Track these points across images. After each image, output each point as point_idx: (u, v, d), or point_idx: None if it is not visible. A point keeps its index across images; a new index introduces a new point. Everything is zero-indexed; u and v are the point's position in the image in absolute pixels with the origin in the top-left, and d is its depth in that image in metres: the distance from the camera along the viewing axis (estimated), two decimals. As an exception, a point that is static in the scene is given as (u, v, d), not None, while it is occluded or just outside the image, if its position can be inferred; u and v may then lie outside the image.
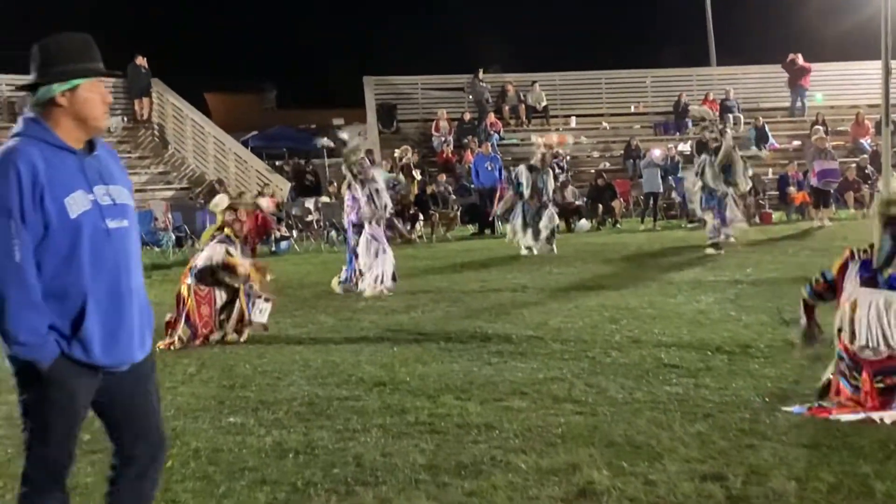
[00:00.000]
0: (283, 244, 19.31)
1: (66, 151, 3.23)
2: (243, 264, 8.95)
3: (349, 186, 12.18)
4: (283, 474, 4.84)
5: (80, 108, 3.26)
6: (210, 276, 8.81)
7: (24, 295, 3.09)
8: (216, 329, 8.81)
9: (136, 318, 3.37)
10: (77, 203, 3.18)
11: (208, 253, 8.92)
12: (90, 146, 3.33)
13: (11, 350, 3.17)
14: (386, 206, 12.09)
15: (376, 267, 11.68)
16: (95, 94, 3.30)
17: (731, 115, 27.84)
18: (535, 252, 15.82)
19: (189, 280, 8.89)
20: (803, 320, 6.29)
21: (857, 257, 5.95)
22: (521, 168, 16.61)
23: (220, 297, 8.88)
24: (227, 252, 8.85)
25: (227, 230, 9.11)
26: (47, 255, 3.14)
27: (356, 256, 11.90)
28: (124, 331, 3.30)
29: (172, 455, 5.21)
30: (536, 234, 16.10)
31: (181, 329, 8.66)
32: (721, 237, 15.05)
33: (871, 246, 5.89)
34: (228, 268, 8.81)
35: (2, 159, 3.13)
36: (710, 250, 14.82)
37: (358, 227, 11.99)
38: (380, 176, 12.48)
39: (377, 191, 11.98)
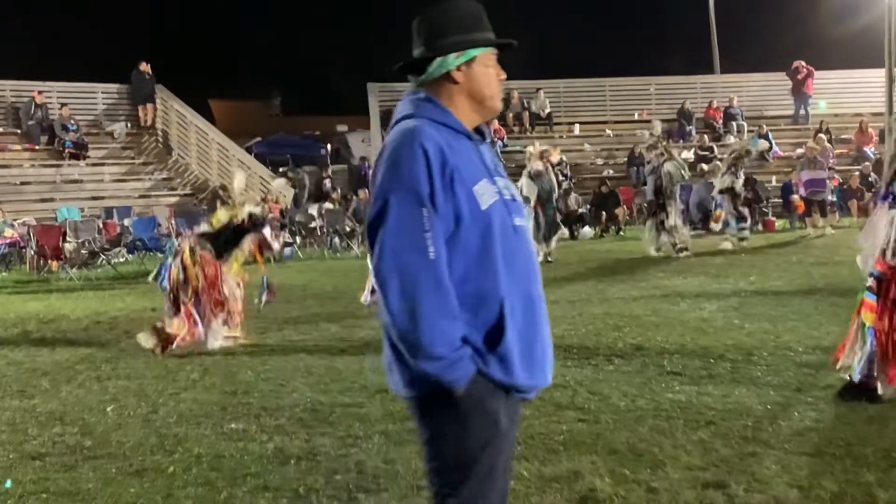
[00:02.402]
0: (287, 251, 19.32)
1: (463, 136, 2.74)
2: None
3: None
4: (286, 481, 4.84)
5: (477, 84, 2.77)
6: (225, 242, 8.83)
7: (439, 300, 2.51)
8: (221, 300, 8.73)
9: (547, 332, 2.78)
10: (485, 193, 2.67)
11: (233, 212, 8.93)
12: (479, 133, 2.83)
13: (420, 366, 2.54)
14: None
15: None
16: (492, 68, 2.81)
17: (734, 123, 27.89)
18: (551, 259, 15.74)
19: (191, 243, 8.84)
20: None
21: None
22: (523, 179, 16.63)
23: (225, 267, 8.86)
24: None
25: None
26: (457, 253, 2.59)
27: None
28: (538, 346, 2.73)
29: (174, 461, 5.23)
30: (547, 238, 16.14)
31: (189, 296, 8.63)
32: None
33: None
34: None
35: (406, 137, 2.62)
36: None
37: None
38: None
39: None
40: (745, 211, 17.91)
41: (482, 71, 2.77)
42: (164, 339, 8.51)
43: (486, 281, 2.62)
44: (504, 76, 2.83)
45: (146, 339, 8.59)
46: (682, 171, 16.62)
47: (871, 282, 6.00)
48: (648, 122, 28.85)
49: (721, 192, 17.72)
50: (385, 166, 2.61)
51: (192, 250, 8.73)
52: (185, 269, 8.68)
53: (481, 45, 2.77)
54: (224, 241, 8.79)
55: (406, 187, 2.54)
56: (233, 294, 8.87)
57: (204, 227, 8.97)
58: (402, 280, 2.50)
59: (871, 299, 5.98)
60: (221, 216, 9.06)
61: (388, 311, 2.53)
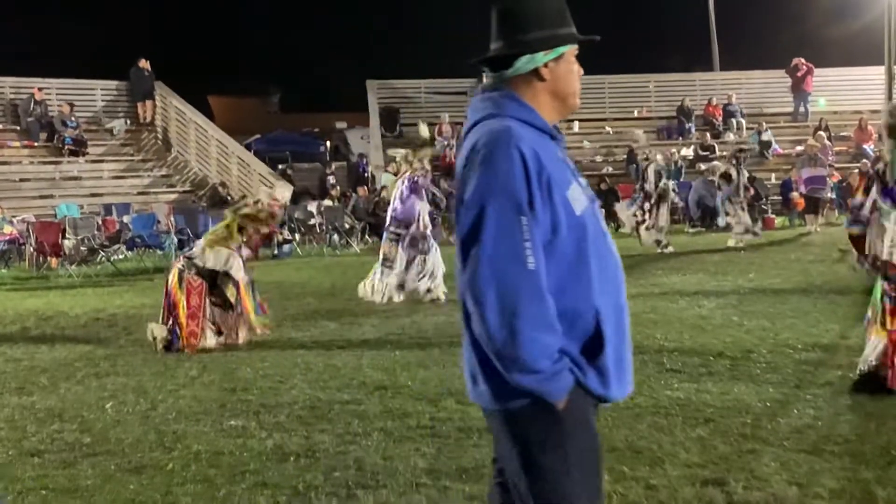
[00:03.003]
0: (286, 248, 19.32)
1: (548, 136, 2.61)
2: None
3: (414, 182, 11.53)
4: (284, 478, 4.84)
5: (563, 82, 2.65)
6: (212, 276, 8.74)
7: (539, 311, 2.39)
8: (203, 326, 8.61)
9: (630, 340, 2.68)
10: (578, 198, 2.55)
11: (224, 259, 8.71)
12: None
13: (518, 380, 2.42)
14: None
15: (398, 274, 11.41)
16: (575, 66, 2.69)
17: (733, 120, 27.89)
18: None
19: (181, 265, 8.73)
20: (854, 252, 6.38)
21: (874, 177, 6.06)
22: None
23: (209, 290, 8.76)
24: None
25: (243, 236, 8.93)
26: (553, 262, 2.47)
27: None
28: (627, 356, 2.64)
29: (173, 458, 5.23)
30: None
31: (167, 320, 8.59)
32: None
33: (886, 165, 6.03)
34: (234, 283, 8.76)
35: (501, 139, 2.47)
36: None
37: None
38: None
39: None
40: (745, 213, 17.62)
41: (568, 68, 2.67)
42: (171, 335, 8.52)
43: (581, 291, 2.51)
44: (582, 71, 2.72)
45: (159, 330, 8.58)
46: (665, 170, 17.26)
47: (888, 287, 6.02)
48: (648, 119, 28.99)
49: (722, 176, 17.70)
50: (479, 171, 2.46)
51: (180, 275, 8.68)
52: (170, 293, 8.65)
53: (570, 42, 2.66)
54: (211, 276, 8.73)
55: (505, 194, 2.41)
56: (222, 316, 8.82)
57: (196, 251, 8.85)
58: (500, 292, 2.38)
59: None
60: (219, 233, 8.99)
61: (483, 323, 2.40)
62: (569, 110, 2.73)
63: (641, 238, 16.84)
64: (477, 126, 2.58)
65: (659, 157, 18.02)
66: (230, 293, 8.73)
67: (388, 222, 11.57)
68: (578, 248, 2.51)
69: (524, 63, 2.61)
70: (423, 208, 11.42)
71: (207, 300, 8.68)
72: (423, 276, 11.31)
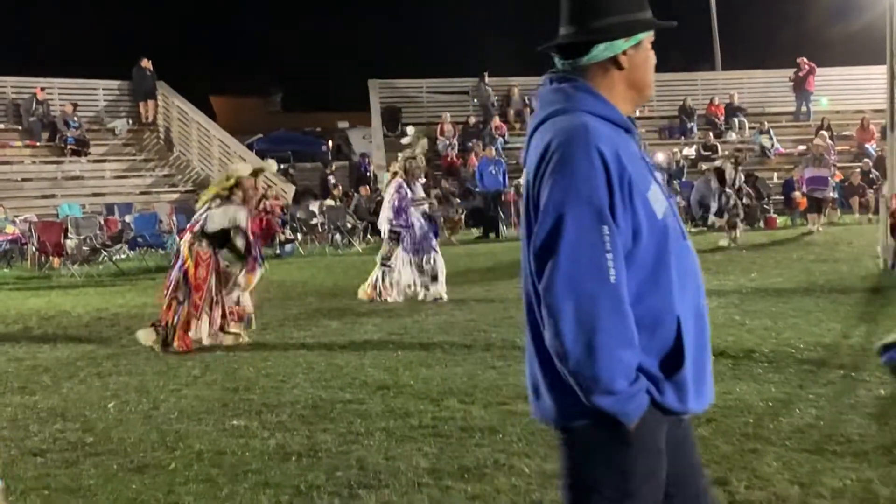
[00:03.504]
0: (288, 247, 19.33)
1: (623, 130, 2.41)
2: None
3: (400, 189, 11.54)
4: (287, 477, 4.84)
5: (640, 71, 2.47)
6: (222, 236, 8.74)
7: (619, 328, 2.22)
8: (203, 302, 8.63)
9: (709, 345, 2.50)
10: (658, 200, 2.37)
11: (232, 214, 8.73)
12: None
13: (595, 400, 2.24)
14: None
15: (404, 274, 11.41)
16: (651, 53, 2.51)
17: (735, 120, 27.87)
18: None
19: (189, 237, 8.79)
20: None
21: None
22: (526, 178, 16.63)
23: (221, 263, 8.81)
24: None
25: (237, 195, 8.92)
26: (633, 269, 2.30)
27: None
28: (707, 366, 2.46)
29: (175, 457, 5.23)
30: None
31: (180, 291, 8.61)
32: None
33: None
34: (243, 232, 8.76)
35: (578, 139, 2.27)
36: None
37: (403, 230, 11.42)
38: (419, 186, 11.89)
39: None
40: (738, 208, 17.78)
41: (646, 56, 2.48)
42: (164, 334, 8.52)
43: (662, 298, 2.34)
44: (655, 60, 2.54)
45: (145, 337, 8.60)
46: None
47: None
48: (650, 118, 28.97)
49: (715, 170, 17.78)
50: (556, 175, 2.27)
51: (189, 246, 8.72)
52: (184, 264, 8.69)
53: (649, 28, 2.47)
54: (217, 237, 8.75)
55: (584, 200, 2.23)
56: (230, 294, 8.84)
57: (199, 220, 8.88)
58: (578, 306, 2.20)
59: None
60: (209, 192, 9.06)
61: (557, 338, 2.23)
62: (643, 101, 2.57)
63: None
64: (548, 122, 2.39)
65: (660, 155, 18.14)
66: (240, 243, 8.77)
67: (386, 225, 11.56)
68: (659, 253, 2.34)
69: (602, 50, 2.41)
70: (415, 215, 11.43)
71: (213, 277, 8.71)
72: (426, 277, 11.31)
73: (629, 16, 2.42)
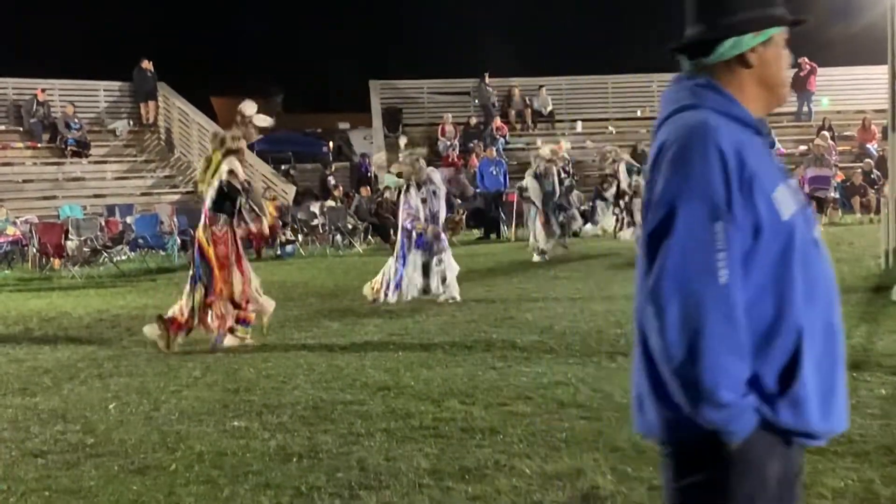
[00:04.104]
0: (289, 248, 19.33)
1: (751, 131, 2.29)
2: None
3: (405, 190, 11.53)
4: (287, 478, 4.84)
5: (772, 69, 2.35)
6: (228, 191, 8.83)
7: (728, 333, 2.08)
8: (230, 278, 8.74)
9: (844, 367, 2.30)
10: (786, 201, 2.22)
11: (224, 174, 8.86)
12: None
13: (699, 411, 2.09)
14: (437, 213, 11.49)
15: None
16: (785, 51, 2.38)
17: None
18: (547, 258, 15.74)
19: (203, 222, 8.90)
20: None
21: None
22: (528, 180, 16.64)
23: (238, 241, 8.93)
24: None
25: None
26: (751, 272, 2.16)
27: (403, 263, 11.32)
28: (839, 385, 2.26)
29: (176, 458, 5.23)
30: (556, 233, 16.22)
31: (203, 273, 8.68)
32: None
33: None
34: (239, 187, 8.87)
35: (697, 135, 2.19)
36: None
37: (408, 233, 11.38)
38: (437, 177, 11.87)
39: (434, 193, 11.47)
40: None
41: (778, 53, 2.35)
42: (168, 330, 8.54)
43: (782, 307, 2.18)
44: (790, 61, 2.40)
45: (151, 331, 8.62)
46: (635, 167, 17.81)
47: None
48: (651, 119, 28.96)
49: None
50: (671, 168, 2.18)
51: (205, 227, 8.79)
52: (201, 247, 8.74)
53: (781, 24, 2.35)
54: (224, 197, 8.84)
55: (698, 195, 2.13)
56: (242, 289, 8.87)
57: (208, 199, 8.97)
58: (684, 306, 2.09)
59: None
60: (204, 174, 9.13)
61: (661, 339, 2.12)
62: (778, 102, 2.43)
63: (621, 237, 17.26)
64: (671, 119, 2.31)
65: (625, 155, 18.52)
66: (242, 202, 8.93)
67: (401, 222, 11.53)
68: (782, 257, 2.19)
69: (728, 48, 2.31)
70: (420, 208, 11.38)
71: (234, 254, 8.82)
72: (436, 277, 11.28)
73: (758, 11, 2.32)
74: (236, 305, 8.80)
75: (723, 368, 2.06)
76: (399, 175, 11.58)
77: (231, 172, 8.82)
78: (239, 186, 8.87)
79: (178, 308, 8.70)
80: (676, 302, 2.10)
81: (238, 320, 8.87)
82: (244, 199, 8.92)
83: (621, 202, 17.28)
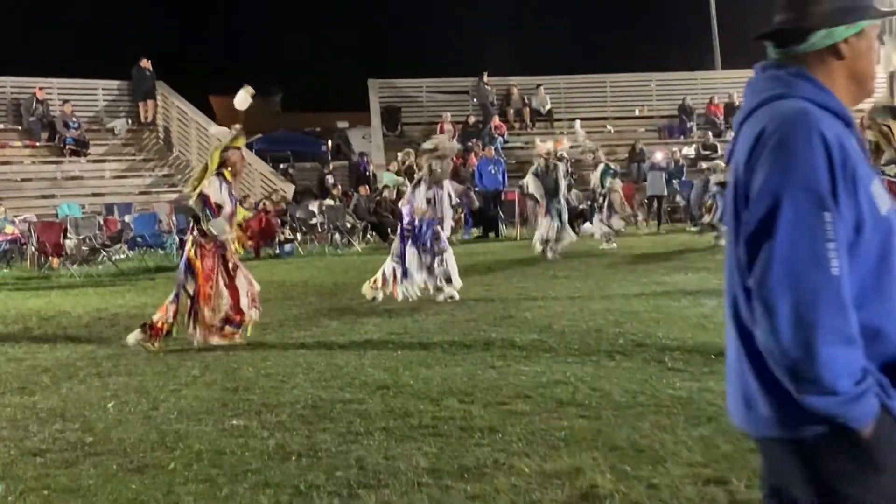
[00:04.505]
0: (287, 247, 19.33)
1: (843, 123, 2.22)
2: (229, 207, 8.90)
3: (415, 186, 11.51)
4: (286, 477, 4.83)
5: (863, 62, 2.30)
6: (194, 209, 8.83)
7: (842, 324, 2.02)
8: (216, 284, 8.74)
9: None
10: (881, 195, 2.17)
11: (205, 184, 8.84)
12: None
13: (813, 402, 2.05)
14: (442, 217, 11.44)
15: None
16: (876, 44, 2.34)
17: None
18: (550, 257, 15.73)
19: (195, 234, 8.86)
20: None
21: None
22: (529, 177, 16.64)
23: (225, 256, 8.87)
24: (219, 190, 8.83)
25: (225, 171, 8.96)
26: (854, 265, 2.10)
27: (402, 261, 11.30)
28: None
29: (175, 457, 5.23)
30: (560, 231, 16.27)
31: (189, 284, 8.68)
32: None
33: None
34: (212, 206, 8.77)
35: (798, 123, 2.12)
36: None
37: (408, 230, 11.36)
38: (448, 185, 11.72)
39: (441, 198, 11.40)
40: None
41: (869, 45, 2.30)
42: (151, 332, 8.56)
43: (884, 305, 2.13)
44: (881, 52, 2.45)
45: (133, 337, 8.64)
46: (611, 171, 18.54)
47: None
48: (650, 117, 28.98)
49: (719, 184, 17.85)
50: (772, 157, 2.11)
51: (194, 242, 8.77)
52: (190, 261, 8.74)
53: (874, 17, 2.29)
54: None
55: (804, 185, 2.05)
56: (230, 303, 8.87)
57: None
58: (796, 299, 2.02)
59: None
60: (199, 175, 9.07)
61: (773, 335, 2.05)
62: (866, 95, 2.38)
63: (583, 231, 17.77)
64: (762, 108, 2.23)
65: (603, 156, 19.27)
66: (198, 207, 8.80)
67: (403, 220, 11.53)
68: (882, 253, 2.13)
69: (821, 38, 2.26)
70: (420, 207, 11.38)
71: (221, 267, 8.80)
72: (439, 277, 11.27)
73: (850, 2, 2.27)
74: (226, 319, 8.83)
75: (838, 359, 2.01)
76: (430, 169, 11.46)
77: (201, 195, 8.77)
78: (199, 212, 8.80)
79: (162, 313, 8.70)
80: (787, 297, 2.04)
81: (227, 322, 8.88)
82: (204, 224, 8.83)
83: (588, 201, 17.96)
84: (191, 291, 8.66)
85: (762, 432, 2.23)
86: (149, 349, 8.47)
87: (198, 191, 8.78)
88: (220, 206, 8.77)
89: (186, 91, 26.63)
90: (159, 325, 8.63)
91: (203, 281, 8.69)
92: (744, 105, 2.34)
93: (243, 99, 9.65)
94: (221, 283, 8.80)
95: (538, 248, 15.93)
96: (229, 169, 8.99)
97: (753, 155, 2.16)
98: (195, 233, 8.84)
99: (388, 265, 11.27)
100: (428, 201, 11.29)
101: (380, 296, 11.12)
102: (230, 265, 8.89)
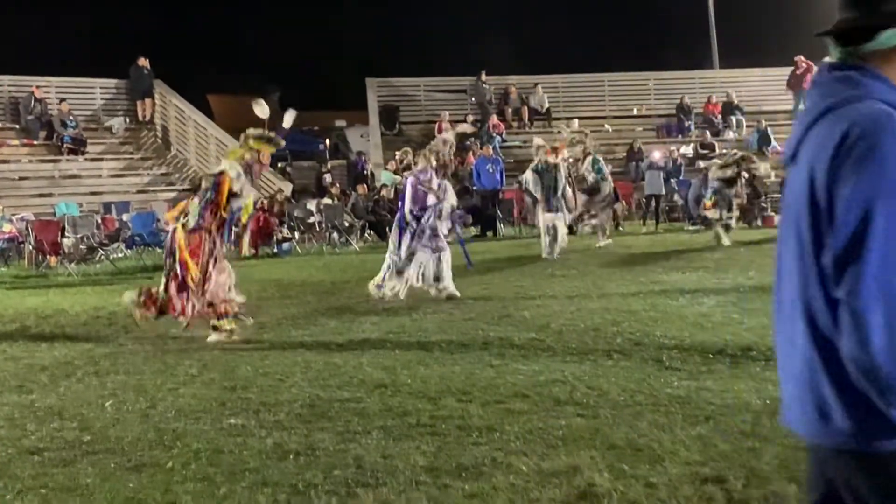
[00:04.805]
0: (285, 246, 19.32)
1: None
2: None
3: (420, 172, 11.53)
4: (284, 476, 4.83)
5: None
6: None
7: None
8: (202, 265, 8.84)
9: None
10: None
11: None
12: None
13: None
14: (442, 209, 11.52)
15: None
16: None
17: (733, 118, 27.90)
18: (554, 256, 15.70)
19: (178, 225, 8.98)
20: None
21: None
22: (528, 174, 16.63)
23: (211, 252, 8.94)
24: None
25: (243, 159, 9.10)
26: None
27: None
28: None
29: (173, 456, 5.23)
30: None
31: (173, 272, 8.84)
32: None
33: None
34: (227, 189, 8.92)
35: (884, 127, 2.05)
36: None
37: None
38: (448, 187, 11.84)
39: (445, 190, 11.53)
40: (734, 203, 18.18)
41: None
42: (146, 298, 8.71)
43: None
44: None
45: (129, 296, 8.93)
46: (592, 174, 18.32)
47: None
48: (648, 117, 28.99)
49: (721, 180, 17.87)
50: (861, 165, 2.04)
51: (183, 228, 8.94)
52: (179, 248, 8.86)
53: None
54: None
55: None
56: (220, 284, 8.93)
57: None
58: (889, 311, 1.97)
59: None
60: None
61: (864, 348, 1.98)
62: None
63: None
64: (836, 111, 2.16)
65: (590, 143, 19.09)
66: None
67: (403, 215, 11.52)
68: None
69: (889, 36, 2.17)
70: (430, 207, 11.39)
71: (209, 240, 8.91)
72: (438, 276, 11.27)
73: None
74: (210, 304, 8.88)
75: None
76: (440, 163, 11.48)
77: (221, 174, 8.87)
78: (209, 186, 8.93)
79: (157, 287, 8.97)
80: (880, 309, 1.98)
81: (218, 316, 8.91)
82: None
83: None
84: (178, 270, 8.76)
85: (838, 444, 2.16)
86: (135, 318, 8.62)
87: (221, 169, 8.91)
88: (235, 195, 8.88)
89: (184, 89, 26.61)
90: (153, 292, 8.88)
91: (189, 257, 8.81)
92: (810, 106, 2.27)
93: (262, 109, 9.75)
94: (210, 266, 8.88)
95: (545, 241, 15.86)
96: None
97: (837, 161, 2.09)
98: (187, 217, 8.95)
99: (388, 260, 11.30)
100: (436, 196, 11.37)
101: (387, 293, 11.12)
102: (216, 254, 8.97)
